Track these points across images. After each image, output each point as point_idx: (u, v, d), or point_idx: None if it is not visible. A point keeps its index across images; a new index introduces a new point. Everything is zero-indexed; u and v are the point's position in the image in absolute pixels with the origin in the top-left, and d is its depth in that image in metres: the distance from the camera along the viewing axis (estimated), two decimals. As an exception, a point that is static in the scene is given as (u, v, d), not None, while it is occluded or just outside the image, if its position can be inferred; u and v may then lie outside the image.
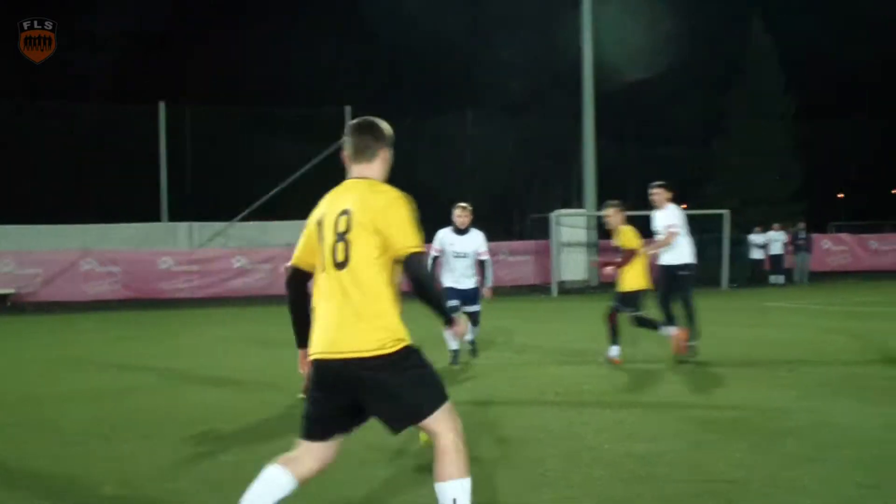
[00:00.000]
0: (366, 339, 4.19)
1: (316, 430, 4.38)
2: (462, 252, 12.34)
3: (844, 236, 36.64)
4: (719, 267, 30.10)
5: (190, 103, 32.65)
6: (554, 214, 30.45)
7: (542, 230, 31.18)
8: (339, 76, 46.85)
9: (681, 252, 12.49)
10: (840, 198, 55.13)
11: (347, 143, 4.67)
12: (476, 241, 12.48)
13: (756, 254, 32.13)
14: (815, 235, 34.38)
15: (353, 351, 4.18)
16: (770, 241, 32.11)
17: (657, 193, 12.73)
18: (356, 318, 4.22)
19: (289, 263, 4.64)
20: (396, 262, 4.30)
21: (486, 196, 42.80)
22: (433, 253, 12.18)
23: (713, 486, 5.92)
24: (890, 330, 15.56)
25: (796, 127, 43.73)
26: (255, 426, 8.27)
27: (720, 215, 30.86)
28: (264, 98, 41.66)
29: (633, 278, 11.88)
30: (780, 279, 31.72)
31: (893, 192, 55.82)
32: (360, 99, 37.83)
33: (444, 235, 12.42)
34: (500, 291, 29.37)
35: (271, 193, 31.31)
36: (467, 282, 12.39)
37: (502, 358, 12.94)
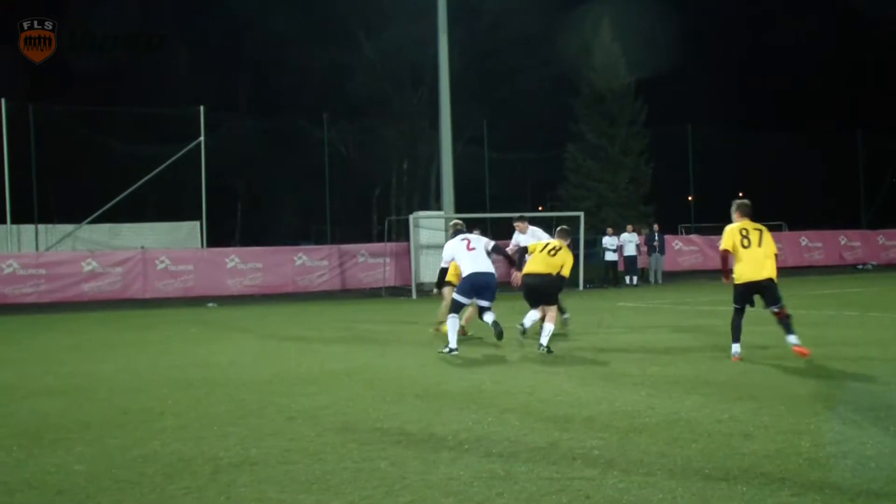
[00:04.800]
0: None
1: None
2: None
3: (695, 237, 37.90)
4: (576, 268, 30.67)
5: (34, 100, 31.37)
6: (412, 216, 30.54)
7: (400, 232, 31.25)
8: (195, 76, 46.02)
9: None
10: (689, 200, 56.88)
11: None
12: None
13: (610, 255, 32.85)
14: (667, 236, 35.39)
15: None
16: (624, 243, 32.88)
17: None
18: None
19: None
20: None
21: (343, 198, 42.70)
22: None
23: (571, 482, 6.02)
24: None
25: (646, 131, 44.85)
26: (102, 435, 8.01)
27: (576, 217, 31.47)
28: (116, 96, 40.56)
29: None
30: (635, 280, 32.52)
31: (740, 195, 57.87)
32: (215, 99, 37.28)
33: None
34: (360, 293, 29.47)
35: (123, 195, 30.54)
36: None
37: (371, 359, 12.90)
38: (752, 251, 11.64)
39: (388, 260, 30.95)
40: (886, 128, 47.79)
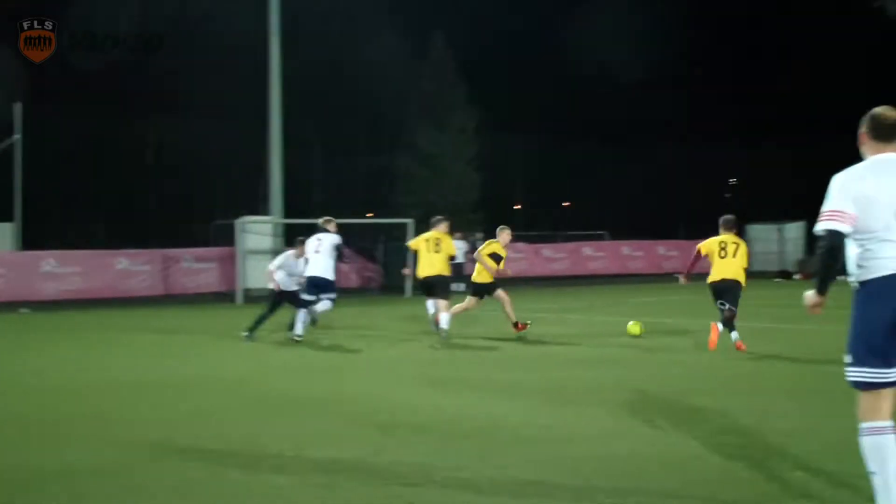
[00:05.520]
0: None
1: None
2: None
3: (521, 245, 38.65)
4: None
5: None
6: (239, 221, 30.03)
7: (227, 237, 30.66)
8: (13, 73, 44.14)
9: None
10: (517, 209, 58.01)
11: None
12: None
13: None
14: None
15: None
16: (451, 250, 33.12)
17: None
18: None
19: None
20: None
21: (168, 201, 41.76)
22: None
23: (394, 489, 6.02)
24: (556, 334, 16.49)
25: (476, 140, 45.44)
26: None
27: (405, 224, 31.62)
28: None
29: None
30: (461, 286, 32.80)
31: (564, 205, 59.42)
32: (36, 96, 35.87)
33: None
34: (184, 299, 28.80)
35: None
36: None
37: (195, 367, 12.62)
38: (728, 261, 13.30)
39: (213, 265, 30.36)
40: (707, 142, 50.00)
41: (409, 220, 32.22)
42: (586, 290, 31.24)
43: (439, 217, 17.19)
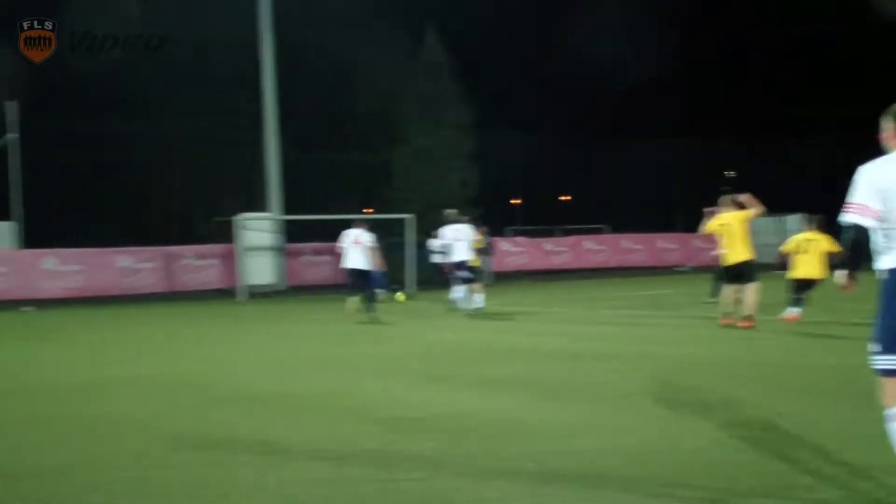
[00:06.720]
0: None
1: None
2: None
3: (521, 239, 38.79)
4: (403, 270, 30.84)
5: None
6: (238, 218, 30.06)
7: (227, 234, 30.73)
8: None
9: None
10: (515, 203, 58.01)
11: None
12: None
13: (436, 258, 33.04)
14: (495, 239, 36.01)
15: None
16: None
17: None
18: None
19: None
20: None
21: (169, 198, 41.71)
22: None
23: (403, 484, 6.04)
24: (559, 330, 16.51)
25: (473, 135, 45.48)
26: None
27: (403, 220, 31.65)
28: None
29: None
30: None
31: (563, 198, 59.44)
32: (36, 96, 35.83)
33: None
34: (188, 296, 28.80)
35: None
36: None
37: (200, 365, 12.64)
38: (806, 256, 15.35)
39: (214, 262, 30.38)
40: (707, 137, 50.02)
41: (408, 216, 32.21)
42: (587, 284, 31.26)
43: (465, 217, 20.90)
